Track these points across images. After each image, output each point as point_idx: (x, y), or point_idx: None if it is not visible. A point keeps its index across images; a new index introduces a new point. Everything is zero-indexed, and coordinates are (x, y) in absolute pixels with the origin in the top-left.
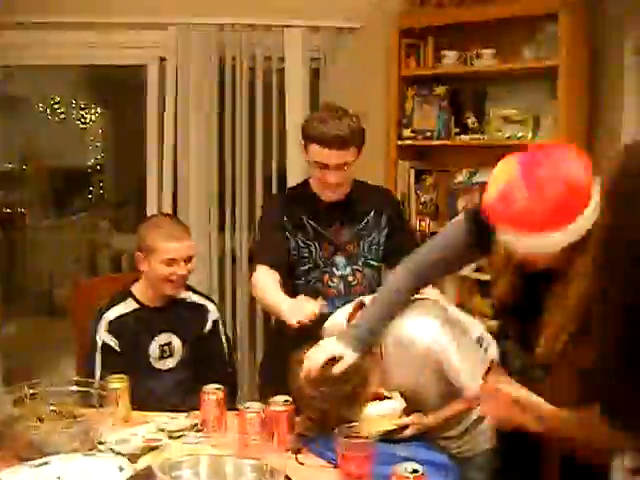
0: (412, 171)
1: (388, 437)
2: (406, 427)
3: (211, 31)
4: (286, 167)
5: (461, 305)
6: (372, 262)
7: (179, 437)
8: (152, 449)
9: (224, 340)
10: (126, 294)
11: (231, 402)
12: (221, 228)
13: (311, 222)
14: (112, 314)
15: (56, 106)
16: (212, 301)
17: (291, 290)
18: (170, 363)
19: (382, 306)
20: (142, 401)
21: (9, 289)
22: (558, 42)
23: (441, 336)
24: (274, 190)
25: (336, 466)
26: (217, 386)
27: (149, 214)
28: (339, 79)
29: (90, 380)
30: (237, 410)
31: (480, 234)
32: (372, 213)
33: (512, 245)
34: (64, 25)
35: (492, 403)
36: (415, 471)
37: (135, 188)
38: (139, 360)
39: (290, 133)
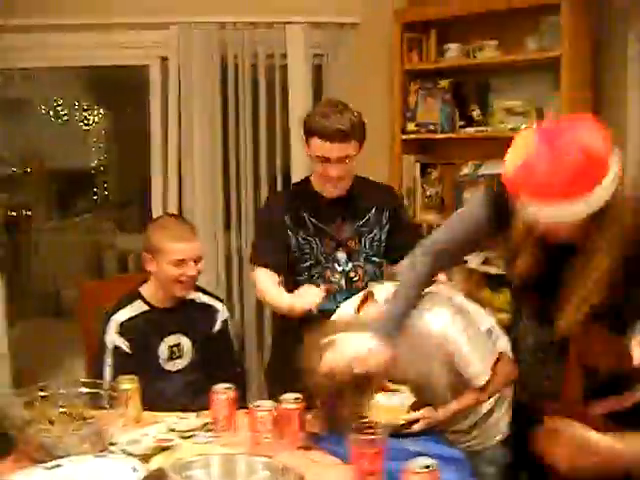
0: (417, 165)
1: (397, 432)
2: (415, 422)
3: (212, 30)
4: (290, 164)
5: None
6: (373, 258)
7: (190, 437)
8: (163, 449)
9: (234, 340)
10: (135, 296)
11: (240, 401)
12: (227, 227)
13: (312, 218)
14: (122, 316)
15: (59, 108)
16: (221, 301)
17: (293, 287)
18: (179, 364)
19: (407, 298)
20: (152, 402)
21: (15, 291)
22: (561, 33)
23: (452, 326)
24: (279, 187)
25: (347, 463)
26: (227, 385)
27: (154, 215)
28: (342, 75)
29: (100, 381)
30: (247, 409)
31: (499, 214)
32: (374, 209)
33: (533, 216)
34: (65, 27)
35: (559, 449)
36: (428, 466)
37: (139, 188)
38: (149, 361)
39: (294, 130)
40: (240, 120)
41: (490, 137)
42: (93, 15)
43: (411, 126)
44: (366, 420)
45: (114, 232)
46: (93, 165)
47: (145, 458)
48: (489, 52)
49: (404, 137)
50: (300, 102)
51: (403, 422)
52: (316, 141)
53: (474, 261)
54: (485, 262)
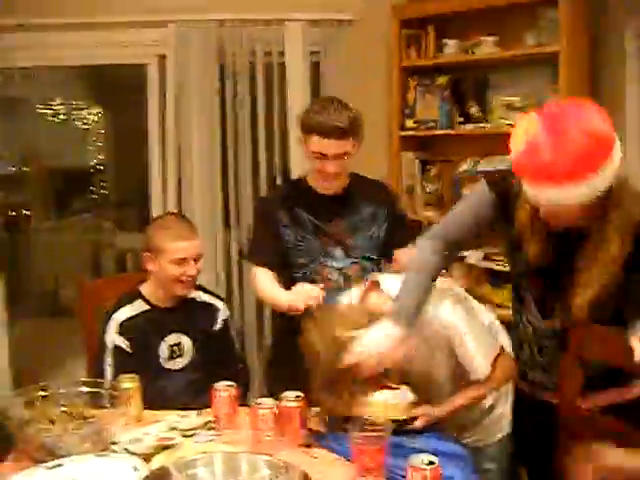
0: (417, 162)
1: (399, 429)
2: (416, 418)
3: (210, 28)
4: (289, 162)
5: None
6: (371, 255)
7: (192, 435)
8: (165, 448)
9: (235, 338)
10: (135, 295)
11: (243, 398)
12: (226, 226)
13: (308, 215)
14: (122, 315)
15: (57, 107)
16: (222, 299)
17: (289, 283)
18: (180, 363)
19: (419, 284)
20: (153, 401)
21: (14, 291)
22: (559, 28)
23: (455, 316)
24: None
25: (349, 460)
26: (229, 383)
27: (154, 214)
28: (340, 72)
29: (100, 381)
30: (248, 407)
31: (503, 199)
32: (370, 207)
33: (537, 199)
34: (62, 26)
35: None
36: (431, 463)
37: (137, 187)
38: (149, 361)
39: (292, 127)
40: (238, 118)
41: (489, 133)
42: (91, 14)
43: (410, 123)
44: (367, 418)
45: (113, 231)
46: (91, 164)
47: (147, 457)
48: (487, 48)
49: (403, 134)
50: (298, 99)
51: (404, 419)
52: (314, 138)
53: (474, 257)
54: (485, 258)
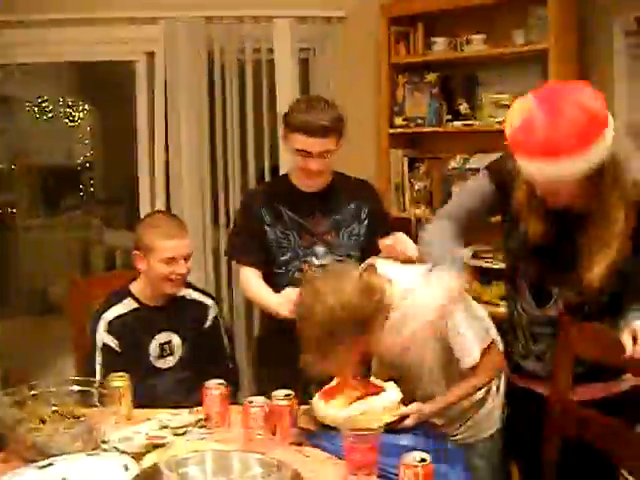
0: (405, 159)
1: (389, 428)
2: (406, 417)
3: (199, 24)
4: (278, 159)
5: None
6: (352, 253)
7: (183, 434)
8: (156, 446)
9: (224, 336)
10: (125, 293)
11: (232, 397)
12: (215, 224)
13: (289, 212)
14: (111, 314)
15: (44, 104)
16: (212, 297)
17: (272, 280)
18: (170, 362)
19: (449, 238)
20: (143, 400)
21: (2, 289)
22: (548, 26)
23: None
24: None
25: (341, 458)
26: (220, 381)
27: (142, 211)
28: (329, 69)
29: (91, 379)
30: (239, 405)
31: (502, 182)
32: (352, 204)
33: (532, 174)
34: (49, 22)
35: None
36: (423, 460)
37: (126, 185)
38: (139, 359)
39: (281, 124)
40: (227, 115)
41: (478, 131)
42: (79, 10)
43: (399, 120)
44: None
45: (101, 229)
46: (79, 162)
47: (138, 456)
48: (476, 45)
49: (392, 131)
50: (287, 97)
51: (395, 418)
52: (297, 136)
53: (463, 254)
54: (475, 256)
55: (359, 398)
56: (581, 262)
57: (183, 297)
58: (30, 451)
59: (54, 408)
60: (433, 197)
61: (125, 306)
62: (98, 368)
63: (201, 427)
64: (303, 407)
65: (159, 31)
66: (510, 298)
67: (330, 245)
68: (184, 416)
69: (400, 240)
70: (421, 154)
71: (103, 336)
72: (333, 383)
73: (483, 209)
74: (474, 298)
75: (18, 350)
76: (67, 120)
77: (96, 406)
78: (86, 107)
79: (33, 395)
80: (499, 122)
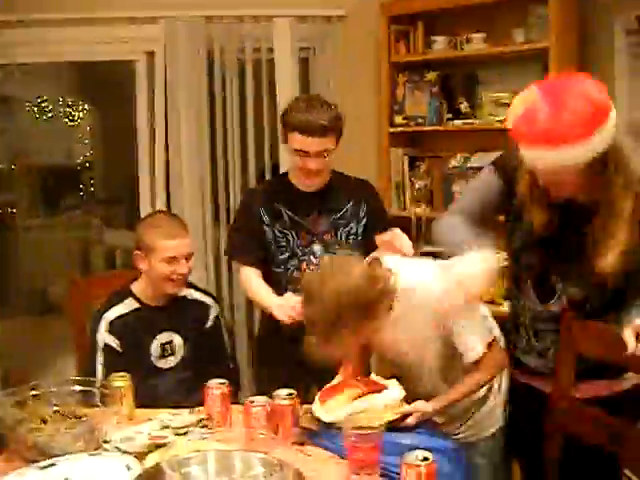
0: (406, 158)
1: (391, 426)
2: (408, 415)
3: (199, 24)
4: (279, 158)
5: None
6: (350, 252)
7: (184, 433)
8: (158, 446)
9: (226, 336)
10: (126, 293)
11: (233, 398)
12: (216, 224)
13: (288, 211)
14: (112, 314)
15: (44, 104)
16: (213, 297)
17: (271, 278)
18: (172, 362)
19: (468, 229)
20: (144, 400)
21: (2, 289)
22: (548, 25)
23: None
24: None
25: (343, 457)
26: (221, 381)
27: (143, 211)
28: (329, 68)
29: (92, 379)
30: (240, 405)
31: (508, 176)
32: (350, 203)
33: (534, 162)
34: (49, 22)
35: None
36: (425, 459)
37: (126, 184)
38: (140, 359)
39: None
40: (227, 115)
41: (478, 129)
42: (79, 10)
43: (399, 119)
44: (361, 420)
45: (101, 228)
46: (79, 161)
47: (140, 456)
48: (476, 44)
49: (392, 130)
50: (287, 96)
51: (397, 416)
52: (296, 135)
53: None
54: None
55: (360, 396)
56: (587, 253)
57: (184, 297)
58: (31, 451)
59: (55, 408)
60: (434, 196)
61: (126, 306)
62: (100, 368)
63: (202, 427)
64: (305, 406)
65: (159, 31)
66: (513, 296)
67: (328, 244)
68: (185, 416)
69: (397, 236)
70: (421, 153)
71: (104, 336)
72: (334, 382)
73: (492, 204)
74: None
75: (18, 350)
76: (67, 120)
77: (97, 406)
78: (86, 107)
79: (34, 395)
80: (499, 121)
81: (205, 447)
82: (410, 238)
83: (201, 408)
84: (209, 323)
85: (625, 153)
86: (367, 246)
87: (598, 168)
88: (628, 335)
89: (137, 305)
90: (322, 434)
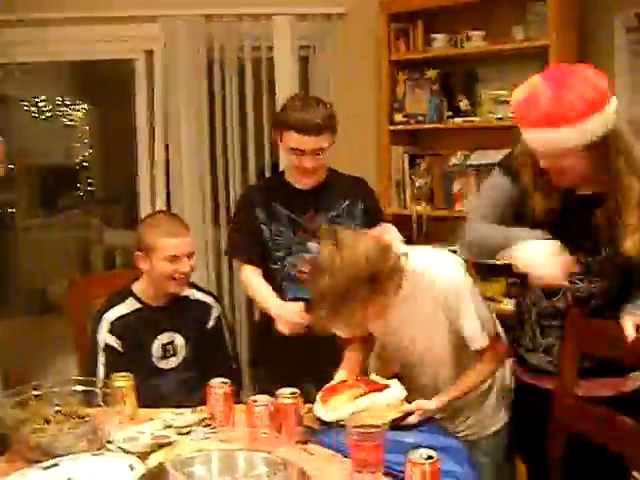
0: (406, 156)
1: (394, 425)
2: (410, 413)
3: (198, 22)
4: (278, 157)
5: None
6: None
7: (187, 433)
8: (161, 446)
9: (227, 336)
10: (127, 293)
11: (235, 398)
12: (216, 223)
13: (285, 209)
14: (113, 314)
15: (42, 104)
16: (214, 297)
17: (269, 275)
18: (173, 362)
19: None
20: (146, 400)
21: (1, 289)
22: (548, 22)
23: (463, 278)
24: None
25: (345, 456)
26: (224, 380)
27: (142, 210)
28: (329, 66)
29: (94, 379)
30: (243, 404)
31: (515, 174)
32: (346, 201)
33: (535, 146)
34: (48, 21)
35: None
36: (430, 457)
37: (125, 184)
38: (142, 360)
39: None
40: (227, 113)
41: (478, 127)
42: (78, 9)
43: (399, 117)
44: (364, 419)
45: (101, 228)
46: (78, 161)
47: (143, 455)
48: (476, 42)
49: (392, 128)
50: (287, 94)
51: (399, 415)
52: (291, 134)
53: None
54: None
55: (362, 395)
56: (591, 246)
57: (186, 297)
58: (34, 452)
59: (57, 408)
60: (434, 194)
61: (127, 306)
62: (101, 369)
63: (205, 426)
64: (308, 405)
65: (158, 29)
66: (519, 293)
67: None
68: (187, 415)
69: (387, 229)
70: (422, 151)
71: (106, 337)
72: (334, 381)
73: (508, 204)
74: None
75: (18, 350)
76: (66, 119)
77: (100, 406)
78: (85, 106)
79: (36, 395)
80: (499, 118)
81: (208, 447)
82: (411, 236)
83: (203, 407)
84: (210, 323)
85: (626, 139)
86: None
87: (599, 153)
88: (627, 323)
89: (138, 305)
90: (325, 432)
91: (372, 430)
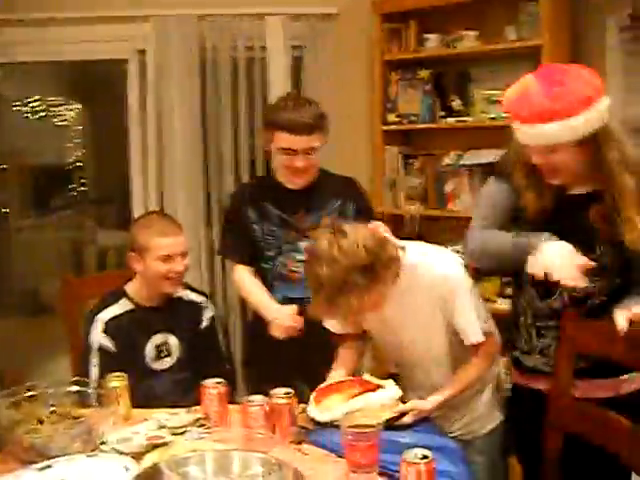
0: (399, 156)
1: (388, 425)
2: (405, 414)
3: (191, 22)
4: (271, 158)
5: None
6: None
7: (182, 433)
8: (155, 447)
9: (221, 337)
10: (120, 294)
11: (229, 398)
12: (209, 223)
13: (275, 209)
14: (107, 315)
15: (34, 104)
16: (208, 298)
17: (260, 274)
18: (167, 363)
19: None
20: (140, 401)
21: None
22: (540, 22)
23: (459, 272)
24: None
25: (340, 456)
26: (218, 380)
27: (135, 211)
28: (322, 66)
29: (87, 380)
30: (237, 404)
31: (509, 178)
32: (338, 201)
33: (526, 139)
34: (39, 21)
35: None
36: (425, 457)
37: (118, 184)
38: (135, 361)
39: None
40: (220, 113)
41: (471, 127)
42: (69, 9)
43: (392, 117)
44: (358, 418)
45: (93, 228)
46: (70, 161)
47: (137, 456)
48: (469, 42)
49: (385, 128)
50: (280, 94)
51: (394, 415)
52: (282, 134)
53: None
54: None
55: (356, 395)
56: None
57: (180, 298)
58: (28, 453)
59: (52, 409)
60: (427, 194)
61: (121, 307)
62: (94, 369)
63: (200, 426)
64: (302, 405)
65: (151, 29)
66: (514, 295)
67: None
68: (182, 416)
69: (380, 227)
70: (415, 151)
71: (99, 337)
72: (328, 382)
73: (508, 208)
74: None
75: (11, 350)
76: (58, 119)
77: (93, 407)
78: (77, 106)
79: (30, 396)
80: (492, 118)
81: (203, 447)
82: (404, 236)
83: (198, 408)
84: (204, 324)
85: (618, 136)
86: None
87: (591, 149)
88: (619, 317)
89: (131, 306)
90: (320, 432)
91: (367, 430)
